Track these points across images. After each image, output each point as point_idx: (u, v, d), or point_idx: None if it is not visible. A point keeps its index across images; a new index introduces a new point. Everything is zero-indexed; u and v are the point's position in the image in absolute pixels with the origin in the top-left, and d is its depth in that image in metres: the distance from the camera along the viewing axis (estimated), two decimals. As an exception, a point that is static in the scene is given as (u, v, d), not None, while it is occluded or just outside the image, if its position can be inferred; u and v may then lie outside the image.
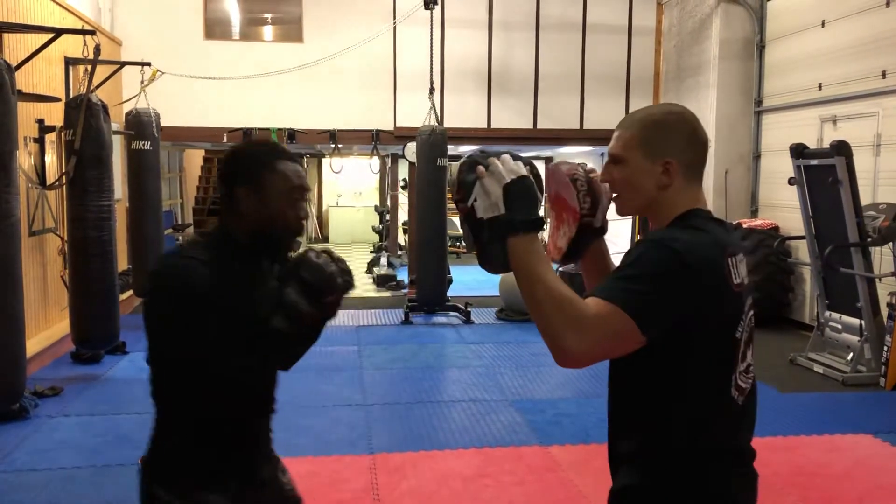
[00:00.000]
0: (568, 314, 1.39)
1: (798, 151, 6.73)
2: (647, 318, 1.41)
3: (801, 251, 7.82)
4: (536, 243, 1.45)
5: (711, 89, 9.35)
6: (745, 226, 8.40)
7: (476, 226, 1.49)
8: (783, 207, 8.47)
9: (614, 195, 1.64)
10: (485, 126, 10.08)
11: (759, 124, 9.22)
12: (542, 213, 1.54)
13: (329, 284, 1.72)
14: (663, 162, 1.55)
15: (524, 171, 1.49)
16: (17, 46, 6.05)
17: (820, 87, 7.94)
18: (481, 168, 1.48)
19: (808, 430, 5.07)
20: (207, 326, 1.68)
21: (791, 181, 6.88)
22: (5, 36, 5.69)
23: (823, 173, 6.39)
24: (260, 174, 1.79)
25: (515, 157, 1.52)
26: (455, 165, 1.54)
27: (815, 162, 6.57)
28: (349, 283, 1.79)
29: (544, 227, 1.52)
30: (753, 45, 9.17)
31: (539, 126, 10.17)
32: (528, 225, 1.45)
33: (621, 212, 1.66)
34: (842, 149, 6.17)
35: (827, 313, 6.73)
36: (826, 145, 6.83)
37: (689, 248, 1.45)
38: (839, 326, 6.58)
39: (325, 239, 18.78)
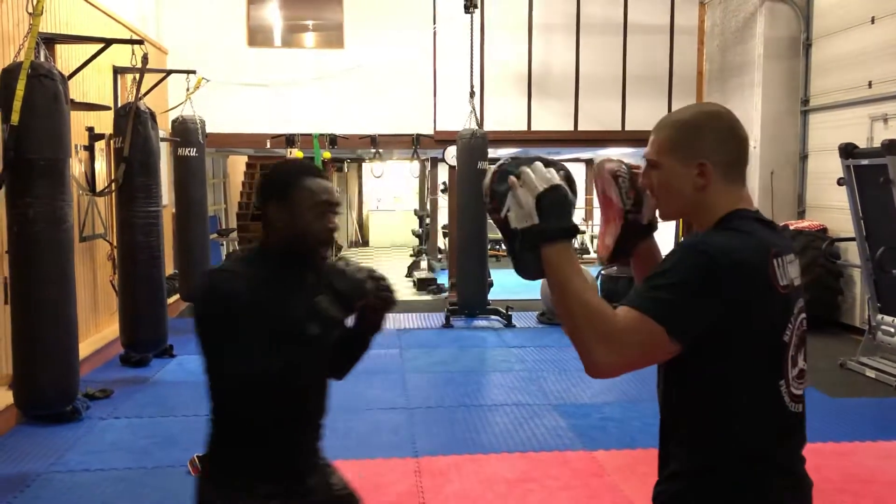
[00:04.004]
0: (597, 326, 1.38)
1: (847, 151, 6.59)
2: (678, 325, 1.39)
3: (851, 253, 7.65)
4: (569, 252, 1.45)
5: (756, 89, 9.20)
6: (791, 227, 8.25)
7: (510, 235, 1.50)
8: (831, 208, 8.30)
9: (655, 199, 1.63)
10: (525, 128, 10.05)
11: (805, 124, 9.04)
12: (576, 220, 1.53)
13: (358, 290, 1.85)
14: (697, 164, 1.50)
15: (557, 178, 1.48)
16: (69, 56, 6.21)
17: (870, 84, 7.76)
18: (513, 178, 1.48)
19: (861, 436, 4.95)
20: (240, 334, 1.81)
21: (840, 182, 6.73)
22: (57, 47, 5.84)
23: (874, 173, 6.24)
24: (289, 191, 1.93)
25: (548, 164, 1.51)
26: (488, 173, 1.58)
27: (865, 162, 6.43)
28: (388, 297, 1.95)
29: (577, 234, 1.51)
30: (799, 44, 9.00)
31: (580, 128, 10.10)
32: (561, 233, 1.44)
33: (663, 216, 1.64)
34: (893, 148, 6.02)
35: (879, 316, 6.57)
36: (876, 144, 6.67)
37: (725, 250, 1.41)
38: (891, 330, 6.41)
39: (366, 243, 18.90)
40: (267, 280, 1.90)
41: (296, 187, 1.92)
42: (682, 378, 1.50)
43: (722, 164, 1.52)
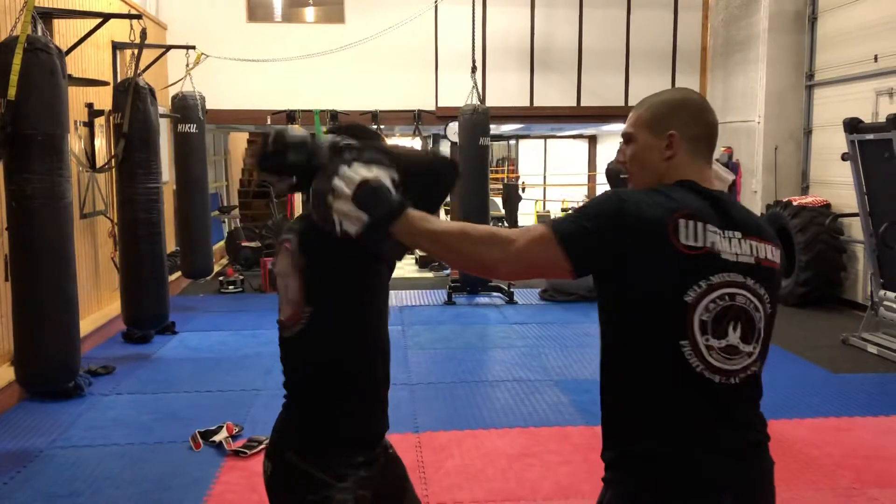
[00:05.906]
0: (488, 237, 1.53)
1: (852, 126, 6.54)
2: (574, 243, 1.47)
3: (854, 229, 7.61)
4: (414, 216, 1.57)
5: (760, 63, 9.12)
6: (795, 203, 8.20)
7: (363, 241, 1.61)
8: (835, 184, 8.25)
9: (628, 174, 1.70)
10: (527, 104, 9.98)
11: (810, 99, 8.96)
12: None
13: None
14: (667, 134, 1.59)
15: (361, 174, 1.59)
16: (67, 32, 6.16)
17: (876, 58, 7.67)
18: (329, 197, 1.59)
19: (862, 411, 4.95)
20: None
21: (845, 157, 6.69)
22: (55, 21, 5.79)
23: (879, 148, 6.20)
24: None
25: (355, 158, 1.63)
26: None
27: (870, 136, 6.38)
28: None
29: (404, 207, 1.58)
30: (805, 18, 8.90)
31: (583, 104, 10.03)
32: (391, 214, 1.56)
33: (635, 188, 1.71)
34: (899, 122, 5.97)
35: (881, 292, 6.55)
36: (882, 119, 6.61)
37: (633, 200, 1.50)
38: (894, 306, 6.40)
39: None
40: None
41: None
42: (603, 333, 1.60)
43: (689, 137, 1.60)
